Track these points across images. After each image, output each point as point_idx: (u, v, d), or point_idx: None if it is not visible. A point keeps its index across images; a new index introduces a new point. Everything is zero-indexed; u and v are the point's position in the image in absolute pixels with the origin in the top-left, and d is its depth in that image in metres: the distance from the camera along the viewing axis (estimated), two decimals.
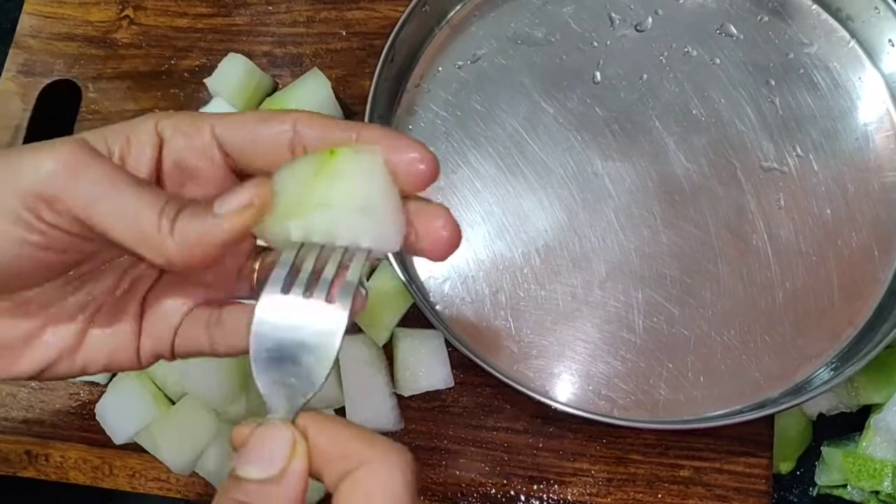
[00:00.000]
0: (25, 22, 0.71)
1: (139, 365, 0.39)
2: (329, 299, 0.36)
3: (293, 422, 0.33)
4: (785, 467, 0.62)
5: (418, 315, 0.56)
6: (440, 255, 0.36)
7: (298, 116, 0.36)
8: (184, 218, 0.33)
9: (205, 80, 0.65)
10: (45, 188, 0.32)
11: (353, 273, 0.36)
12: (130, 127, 0.36)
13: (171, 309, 0.38)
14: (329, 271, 0.37)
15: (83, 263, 0.37)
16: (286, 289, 0.36)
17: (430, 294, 0.59)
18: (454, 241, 0.35)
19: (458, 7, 0.65)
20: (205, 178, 0.37)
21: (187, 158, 0.36)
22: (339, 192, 0.34)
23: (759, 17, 0.62)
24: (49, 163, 0.32)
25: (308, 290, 0.36)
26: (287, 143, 0.35)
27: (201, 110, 0.64)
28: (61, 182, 0.32)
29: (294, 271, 0.37)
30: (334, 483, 0.32)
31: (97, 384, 0.60)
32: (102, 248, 0.36)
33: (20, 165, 0.33)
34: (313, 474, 0.32)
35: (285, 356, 0.35)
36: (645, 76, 0.62)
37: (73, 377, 0.39)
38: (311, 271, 0.37)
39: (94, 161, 0.33)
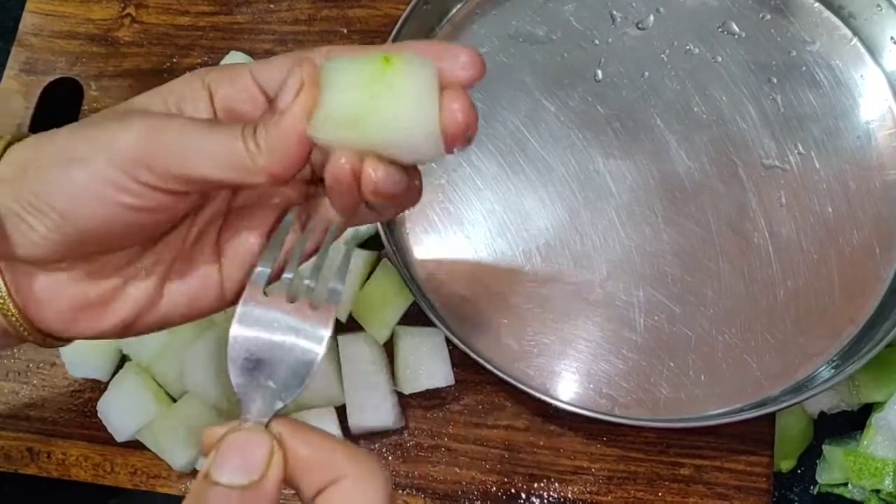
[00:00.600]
0: (28, 20, 0.71)
1: (226, 302, 0.40)
2: (313, 304, 0.36)
3: (267, 425, 0.33)
4: (786, 465, 0.62)
5: (419, 313, 0.56)
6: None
7: (331, 49, 0.37)
8: (260, 131, 0.34)
9: None
10: (140, 153, 0.34)
11: (338, 277, 0.37)
12: (181, 84, 0.38)
13: (250, 236, 0.39)
14: (312, 273, 0.37)
15: (168, 223, 0.38)
16: (269, 289, 0.37)
17: (431, 292, 0.59)
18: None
19: (459, 5, 0.65)
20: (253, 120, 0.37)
21: (235, 104, 0.38)
22: (396, 103, 0.33)
23: (760, 15, 0.62)
24: (133, 131, 0.34)
25: (291, 292, 0.36)
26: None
27: None
28: (152, 145, 0.34)
29: (278, 269, 0.38)
30: (311, 494, 0.32)
31: (99, 382, 0.60)
32: (193, 203, 0.38)
33: (108, 135, 0.35)
34: (290, 483, 0.32)
35: (264, 359, 0.35)
36: (646, 74, 0.62)
37: (157, 329, 0.40)
38: (295, 270, 0.37)
39: (169, 120, 0.35)
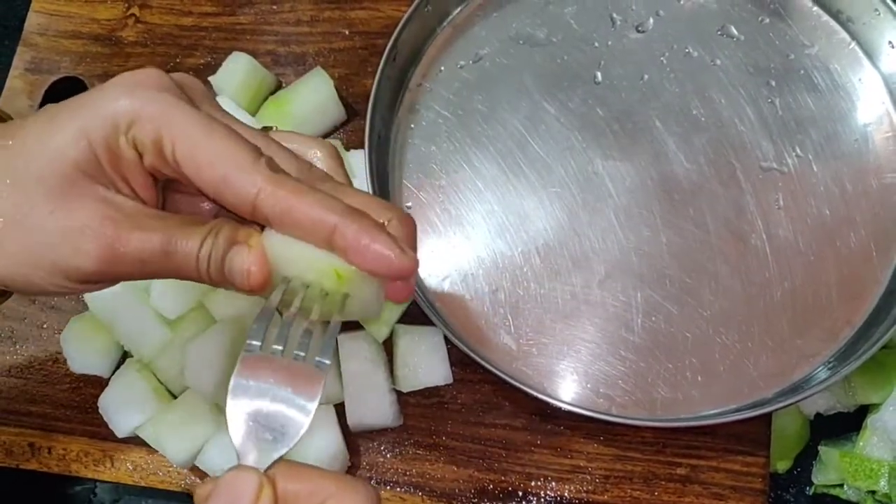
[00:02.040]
0: (33, 20, 0.72)
1: None
2: (307, 360, 0.38)
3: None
4: (782, 466, 0.62)
5: (418, 312, 0.56)
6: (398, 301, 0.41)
7: (265, 187, 0.36)
8: (213, 262, 0.37)
9: (209, 79, 0.66)
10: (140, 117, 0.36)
11: (325, 350, 0.38)
12: (101, 132, 0.36)
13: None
14: (308, 332, 0.38)
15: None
16: (266, 346, 0.38)
17: (430, 291, 0.59)
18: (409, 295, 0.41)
19: (460, 7, 0.65)
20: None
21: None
22: (352, 309, 0.38)
23: (759, 19, 0.63)
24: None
25: (287, 349, 0.38)
26: (251, 203, 0.36)
27: None
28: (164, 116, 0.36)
29: (273, 327, 0.38)
30: None
31: (100, 377, 0.60)
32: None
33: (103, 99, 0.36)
34: None
35: (261, 412, 0.36)
36: (646, 76, 0.62)
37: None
38: (290, 328, 0.38)
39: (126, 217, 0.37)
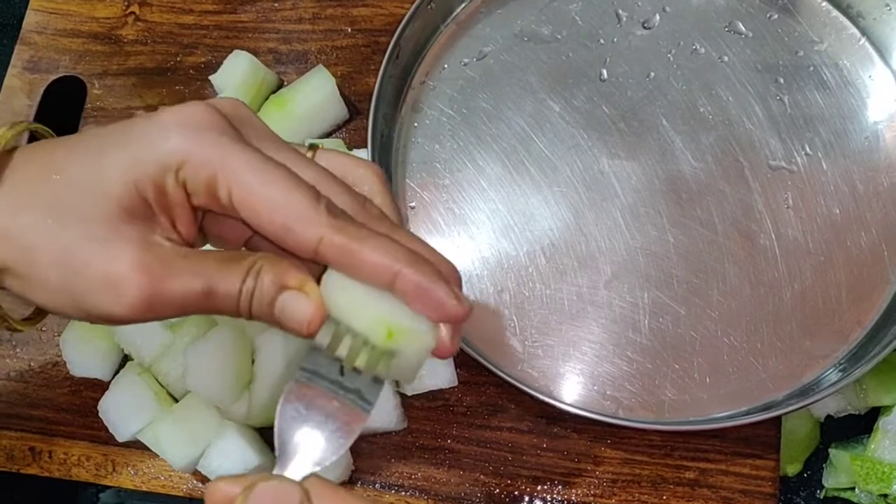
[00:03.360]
0: (31, 18, 0.71)
1: None
2: (353, 399, 0.39)
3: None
4: (792, 469, 0.62)
5: None
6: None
7: (327, 234, 0.36)
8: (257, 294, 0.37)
9: (210, 77, 0.65)
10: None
11: (380, 382, 0.39)
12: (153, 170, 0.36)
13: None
14: (360, 368, 0.39)
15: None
16: (318, 376, 0.39)
17: None
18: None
19: (463, 4, 0.65)
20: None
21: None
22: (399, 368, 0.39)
23: (768, 15, 0.62)
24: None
25: (337, 383, 0.39)
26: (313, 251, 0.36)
27: None
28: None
29: (326, 359, 0.39)
30: None
31: (101, 381, 0.59)
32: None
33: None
34: None
35: (307, 430, 0.38)
36: (652, 74, 0.61)
37: None
38: (342, 363, 0.39)
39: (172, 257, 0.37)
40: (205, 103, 0.37)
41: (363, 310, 0.37)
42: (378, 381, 0.39)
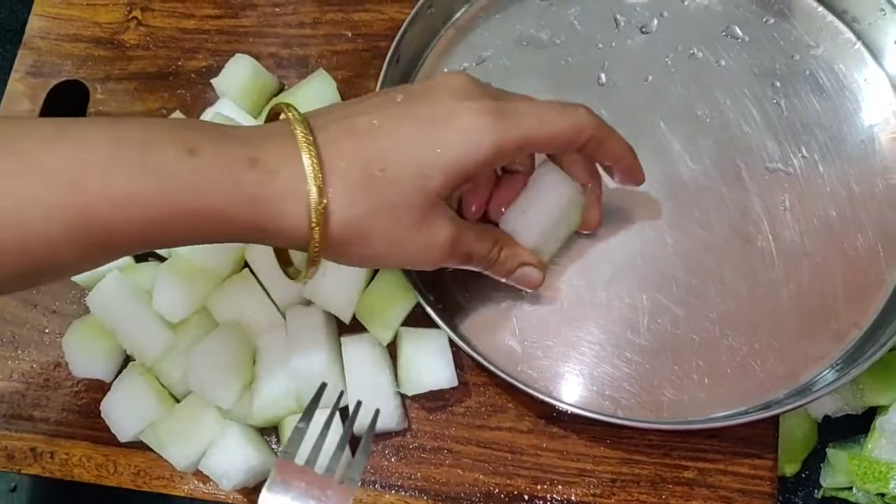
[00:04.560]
0: (34, 23, 0.72)
1: None
2: (336, 478, 0.46)
3: None
4: (790, 469, 0.62)
5: (422, 314, 0.56)
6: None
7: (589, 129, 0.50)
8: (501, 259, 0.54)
9: (212, 81, 0.65)
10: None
11: (362, 453, 0.47)
12: None
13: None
14: (341, 447, 0.48)
15: None
16: (299, 457, 0.46)
17: (435, 293, 0.59)
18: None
19: (463, 9, 0.65)
20: None
21: None
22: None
23: (764, 20, 0.63)
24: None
25: (317, 465, 0.46)
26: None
27: (207, 111, 0.65)
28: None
29: (306, 439, 0.47)
30: None
31: (102, 382, 0.60)
32: None
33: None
34: None
35: None
36: (650, 78, 0.62)
37: None
38: (321, 443, 0.47)
39: None
40: (473, 82, 0.48)
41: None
42: (361, 458, 0.47)
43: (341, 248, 0.45)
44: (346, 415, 0.56)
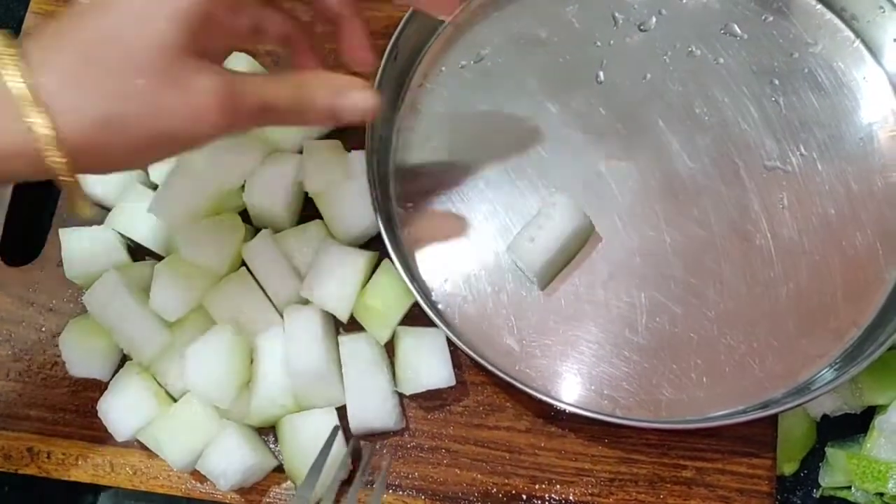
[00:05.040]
0: (30, 21, 0.72)
1: None
2: None
3: None
4: (788, 468, 0.62)
5: (420, 313, 0.55)
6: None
7: None
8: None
9: None
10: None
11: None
12: None
13: None
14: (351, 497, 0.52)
15: None
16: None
17: (433, 293, 0.59)
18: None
19: (461, 6, 0.65)
20: None
21: None
22: None
23: (763, 17, 0.62)
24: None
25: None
26: None
27: None
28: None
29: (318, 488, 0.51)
30: None
31: (99, 381, 0.60)
32: None
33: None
34: None
35: None
36: (648, 76, 0.62)
37: None
38: (334, 491, 0.52)
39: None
40: None
41: None
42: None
43: (92, 150, 0.40)
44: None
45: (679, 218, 0.58)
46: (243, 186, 0.60)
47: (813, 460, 0.62)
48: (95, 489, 0.64)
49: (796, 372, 0.55)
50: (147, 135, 0.40)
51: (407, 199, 0.61)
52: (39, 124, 0.38)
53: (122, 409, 0.57)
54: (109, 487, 0.61)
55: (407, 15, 0.61)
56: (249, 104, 0.43)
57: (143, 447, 0.58)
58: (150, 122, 0.40)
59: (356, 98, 0.46)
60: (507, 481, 0.57)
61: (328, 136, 0.65)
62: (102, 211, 0.62)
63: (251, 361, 0.58)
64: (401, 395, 0.58)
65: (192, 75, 0.41)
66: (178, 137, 0.42)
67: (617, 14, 0.64)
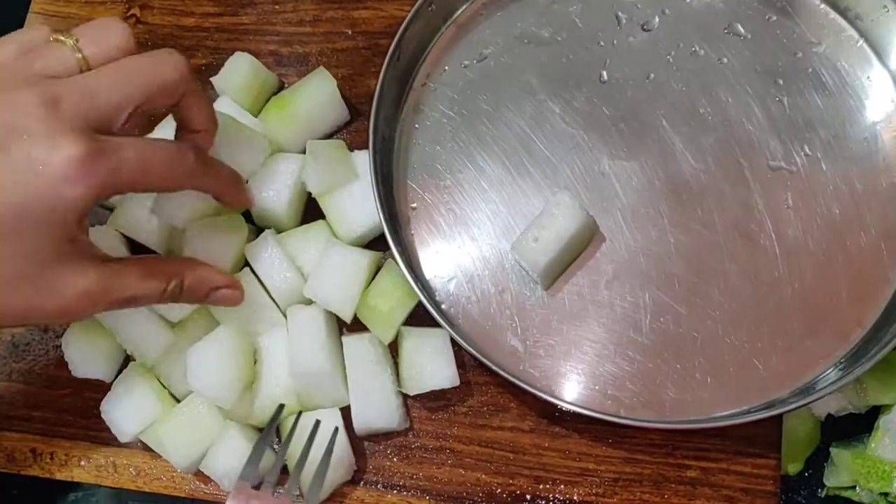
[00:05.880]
0: (32, 21, 0.71)
1: None
2: (289, 495, 0.51)
3: None
4: (793, 468, 0.62)
5: (424, 313, 0.55)
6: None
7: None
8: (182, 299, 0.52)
9: (211, 79, 0.65)
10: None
11: (315, 481, 0.52)
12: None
13: None
14: (295, 471, 0.52)
15: None
16: (254, 482, 0.51)
17: (436, 293, 0.58)
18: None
19: (464, 6, 0.65)
20: None
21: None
22: None
23: (767, 17, 0.62)
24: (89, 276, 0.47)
25: (273, 488, 0.51)
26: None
27: None
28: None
29: (262, 464, 0.52)
30: None
31: (102, 382, 0.59)
32: None
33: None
34: None
35: None
36: (652, 75, 0.62)
37: None
38: (277, 467, 0.52)
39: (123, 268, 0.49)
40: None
41: None
42: (318, 480, 0.52)
43: None
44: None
45: (683, 218, 0.58)
46: None
47: (817, 460, 0.62)
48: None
49: (801, 372, 0.55)
50: (12, 320, 0.45)
51: (410, 200, 0.61)
52: None
53: (126, 410, 0.57)
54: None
55: (410, 15, 0.61)
56: (118, 298, 0.47)
57: (147, 448, 0.58)
58: (19, 314, 0.45)
59: (227, 297, 0.54)
60: (511, 481, 0.57)
61: (331, 136, 0.65)
62: (105, 211, 0.62)
63: (255, 362, 0.57)
64: (405, 396, 0.58)
65: (66, 278, 0.44)
66: (43, 322, 0.50)
67: (620, 14, 0.64)
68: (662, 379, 0.55)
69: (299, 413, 0.56)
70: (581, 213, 0.55)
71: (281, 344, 0.57)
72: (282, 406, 0.56)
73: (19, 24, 0.72)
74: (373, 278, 0.58)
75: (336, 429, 0.54)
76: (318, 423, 0.54)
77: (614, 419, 0.54)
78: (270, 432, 0.54)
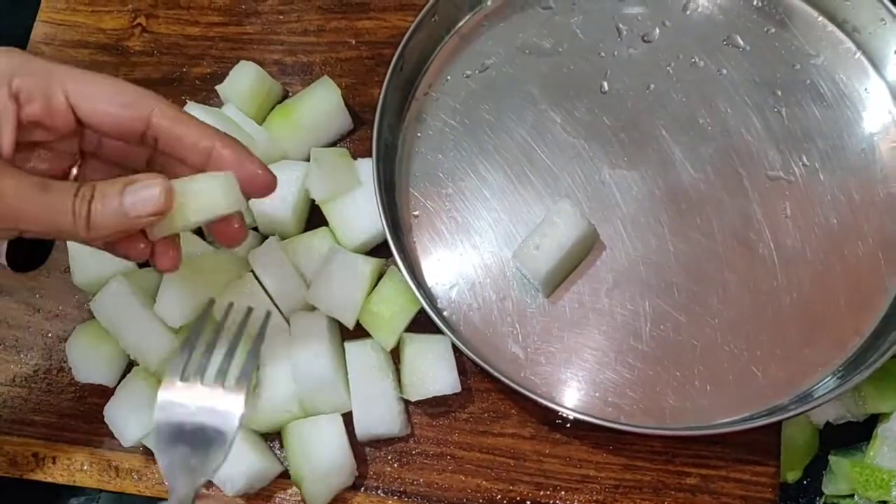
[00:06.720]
0: (39, 29, 0.72)
1: None
2: (225, 386, 0.46)
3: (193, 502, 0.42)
4: (792, 476, 0.62)
5: (426, 320, 0.56)
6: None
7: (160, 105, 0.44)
8: (95, 206, 0.41)
9: (216, 88, 0.66)
10: None
11: (248, 362, 0.47)
12: None
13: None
14: (225, 359, 0.47)
15: None
16: (185, 376, 0.46)
17: (438, 300, 0.59)
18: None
19: (466, 17, 0.66)
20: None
21: (44, 121, 0.43)
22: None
23: (765, 29, 0.63)
24: None
25: (205, 378, 0.46)
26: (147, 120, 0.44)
27: None
28: None
29: (193, 357, 0.47)
30: None
31: (105, 387, 0.60)
32: None
33: None
34: None
35: (185, 440, 0.44)
36: (652, 86, 0.62)
37: None
38: (209, 357, 0.47)
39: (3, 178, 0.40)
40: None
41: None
42: (251, 359, 0.47)
43: None
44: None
45: (682, 227, 0.59)
46: None
47: (816, 468, 0.62)
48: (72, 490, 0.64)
49: (799, 380, 0.55)
50: None
51: (413, 207, 0.61)
52: None
53: (129, 415, 0.57)
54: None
55: (413, 25, 0.62)
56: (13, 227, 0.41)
57: (148, 452, 0.58)
58: None
59: (146, 194, 0.41)
60: (511, 488, 0.57)
61: (334, 144, 0.65)
62: None
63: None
64: (406, 402, 0.58)
65: None
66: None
67: (621, 25, 0.64)
68: (662, 386, 0.56)
69: (230, 304, 0.52)
70: (582, 221, 0.55)
71: (284, 350, 0.57)
72: (213, 300, 0.51)
73: (27, 32, 0.72)
74: (375, 285, 0.59)
75: (268, 313, 0.50)
76: (250, 309, 0.51)
77: (615, 426, 0.54)
78: (200, 327, 0.49)
